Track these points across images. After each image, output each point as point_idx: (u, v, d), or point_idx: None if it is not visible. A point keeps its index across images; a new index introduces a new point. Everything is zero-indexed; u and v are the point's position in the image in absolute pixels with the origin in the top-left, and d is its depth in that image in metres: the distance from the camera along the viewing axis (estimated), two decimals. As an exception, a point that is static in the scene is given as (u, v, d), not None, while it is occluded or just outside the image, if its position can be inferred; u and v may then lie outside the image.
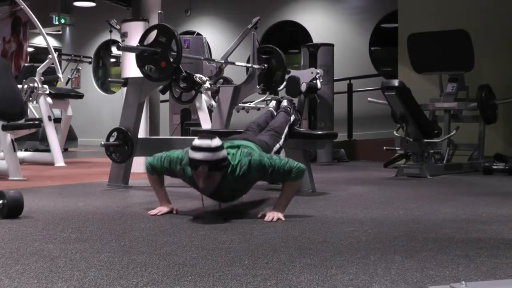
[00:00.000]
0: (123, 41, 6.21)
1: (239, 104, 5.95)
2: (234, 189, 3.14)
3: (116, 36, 11.59)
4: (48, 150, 7.31)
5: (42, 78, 7.07)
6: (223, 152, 2.96)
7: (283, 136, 3.83)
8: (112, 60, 15.35)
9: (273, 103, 4.24)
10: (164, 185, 3.36)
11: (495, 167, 6.25)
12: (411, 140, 6.02)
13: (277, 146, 3.73)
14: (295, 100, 4.57)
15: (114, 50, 14.07)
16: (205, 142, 2.91)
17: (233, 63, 5.34)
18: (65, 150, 8.80)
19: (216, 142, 2.93)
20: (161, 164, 3.21)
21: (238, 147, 3.16)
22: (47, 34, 8.40)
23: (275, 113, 4.11)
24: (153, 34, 4.24)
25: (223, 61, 5.36)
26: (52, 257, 2.16)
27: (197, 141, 2.94)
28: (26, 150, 8.58)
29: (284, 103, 4.18)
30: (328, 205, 3.75)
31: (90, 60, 10.74)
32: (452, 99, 6.82)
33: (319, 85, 7.30)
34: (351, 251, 2.32)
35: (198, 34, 10.80)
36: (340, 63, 9.50)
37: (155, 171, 3.27)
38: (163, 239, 2.54)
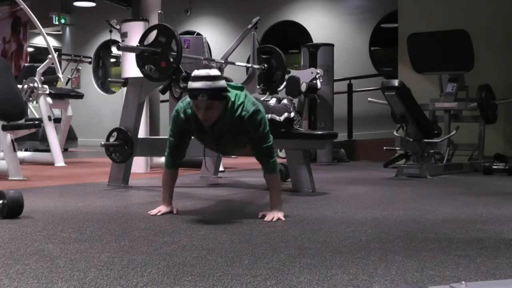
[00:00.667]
0: (123, 41, 6.22)
1: (239, 104, 5.95)
2: (235, 134, 3.13)
3: (116, 36, 11.60)
4: (48, 150, 7.31)
5: (42, 78, 7.07)
6: (223, 82, 2.99)
7: (282, 117, 3.91)
8: (112, 60, 15.36)
9: (273, 100, 4.27)
10: (174, 184, 3.36)
11: (495, 167, 6.25)
12: (411, 140, 6.02)
13: (276, 117, 3.84)
14: (295, 100, 4.58)
15: (114, 50, 14.07)
16: (203, 71, 2.97)
17: (233, 63, 5.35)
18: (65, 150, 8.80)
19: (215, 71, 2.98)
20: (172, 134, 3.21)
21: (241, 88, 3.17)
22: (47, 34, 8.40)
23: None
24: (153, 34, 4.24)
25: (223, 61, 5.35)
26: (52, 257, 2.16)
27: (196, 71, 2.99)
28: (26, 150, 8.58)
29: (284, 101, 4.22)
30: (328, 205, 3.75)
31: (90, 60, 10.74)
32: (452, 99, 6.83)
33: (319, 85, 7.32)
34: (351, 251, 2.32)
35: (198, 34, 10.80)
36: (340, 63, 9.50)
37: (172, 157, 3.25)
38: (163, 239, 2.54)
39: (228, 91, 3.04)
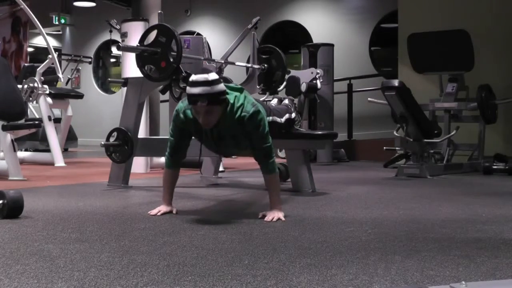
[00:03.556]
0: (123, 41, 6.22)
1: (239, 104, 5.95)
2: (235, 135, 3.13)
3: (116, 36, 11.59)
4: (48, 150, 7.31)
5: (42, 78, 7.07)
6: (221, 86, 2.97)
7: (283, 118, 3.90)
8: (112, 60, 15.35)
9: (275, 100, 4.29)
10: (175, 185, 3.36)
11: (495, 167, 6.25)
12: (411, 140, 6.02)
13: (278, 119, 3.82)
14: (295, 101, 4.59)
15: (114, 50, 14.07)
16: (202, 76, 2.94)
17: (233, 63, 5.35)
18: (65, 150, 8.81)
19: (213, 75, 2.96)
20: (172, 134, 3.21)
21: (241, 90, 3.15)
22: (47, 34, 8.40)
23: None
24: (153, 34, 4.24)
25: (223, 61, 5.35)
26: (52, 257, 2.17)
27: (194, 77, 2.96)
28: (26, 150, 8.58)
29: (286, 101, 4.23)
30: (328, 205, 3.75)
31: (90, 60, 10.74)
32: (452, 99, 6.83)
33: (319, 85, 7.34)
34: (351, 251, 2.32)
35: (198, 34, 10.79)
36: (340, 63, 9.50)
37: (173, 157, 3.26)
38: (163, 239, 2.54)
39: (227, 94, 3.03)
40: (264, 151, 3.11)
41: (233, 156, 6.67)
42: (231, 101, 3.04)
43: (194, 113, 3.03)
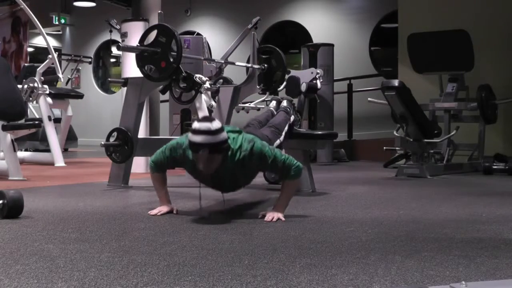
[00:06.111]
0: (123, 41, 6.22)
1: (239, 104, 5.96)
2: (235, 175, 3.13)
3: (116, 36, 11.58)
4: (48, 150, 7.31)
5: (42, 78, 7.06)
6: (223, 135, 2.96)
7: (283, 133, 3.86)
8: (112, 60, 15.35)
9: (273, 103, 4.26)
10: (166, 185, 3.36)
11: (495, 167, 6.25)
12: (411, 140, 6.02)
13: (278, 142, 3.76)
14: (295, 100, 4.58)
15: (114, 50, 14.06)
16: (204, 125, 2.92)
17: (233, 63, 5.35)
18: (65, 150, 8.80)
19: (215, 124, 2.94)
20: (163, 155, 3.22)
21: (240, 132, 3.15)
22: (47, 34, 8.39)
23: (275, 113, 4.13)
24: (153, 34, 4.24)
25: (223, 61, 5.36)
26: (52, 257, 2.17)
27: (196, 124, 2.94)
28: (26, 150, 8.58)
29: (284, 103, 4.21)
30: (328, 205, 3.75)
31: (90, 60, 10.74)
32: (452, 99, 6.83)
33: (319, 85, 7.32)
34: (351, 251, 2.32)
35: (198, 34, 10.79)
36: (340, 63, 9.50)
37: (158, 167, 3.27)
38: (163, 239, 2.54)
39: (228, 141, 2.99)
40: (284, 169, 3.09)
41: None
42: (231, 146, 3.02)
43: (195, 159, 3.01)
